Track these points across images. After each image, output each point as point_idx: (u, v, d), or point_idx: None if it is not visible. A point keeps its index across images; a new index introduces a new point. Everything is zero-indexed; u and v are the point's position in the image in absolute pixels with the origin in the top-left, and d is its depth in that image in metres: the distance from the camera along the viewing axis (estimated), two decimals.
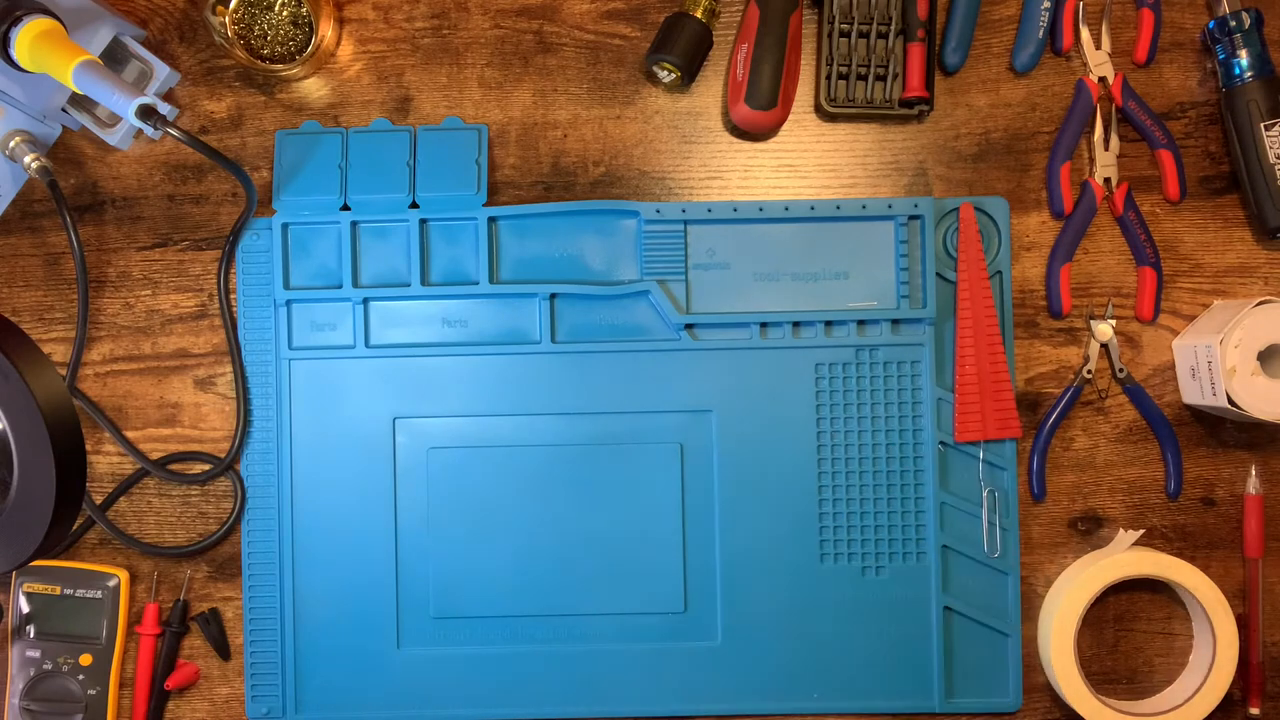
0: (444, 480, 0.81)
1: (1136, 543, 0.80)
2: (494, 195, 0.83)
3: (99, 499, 0.82)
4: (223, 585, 0.83)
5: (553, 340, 0.80)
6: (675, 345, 0.80)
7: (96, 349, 0.83)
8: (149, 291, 0.83)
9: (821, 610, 0.80)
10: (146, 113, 0.69)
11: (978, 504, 0.80)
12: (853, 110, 0.82)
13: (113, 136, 0.80)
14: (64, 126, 0.82)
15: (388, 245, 0.81)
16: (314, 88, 0.83)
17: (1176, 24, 0.82)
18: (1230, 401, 0.75)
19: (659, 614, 0.80)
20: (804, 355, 0.80)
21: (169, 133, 0.70)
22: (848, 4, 0.81)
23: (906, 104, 0.81)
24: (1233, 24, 0.79)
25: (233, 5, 0.79)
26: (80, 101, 0.80)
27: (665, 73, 0.80)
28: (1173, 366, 0.82)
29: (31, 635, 0.80)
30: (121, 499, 0.83)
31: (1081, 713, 0.78)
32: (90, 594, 0.81)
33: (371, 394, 0.81)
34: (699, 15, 0.80)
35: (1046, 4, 0.81)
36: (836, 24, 0.81)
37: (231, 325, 0.82)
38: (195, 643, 0.83)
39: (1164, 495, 0.82)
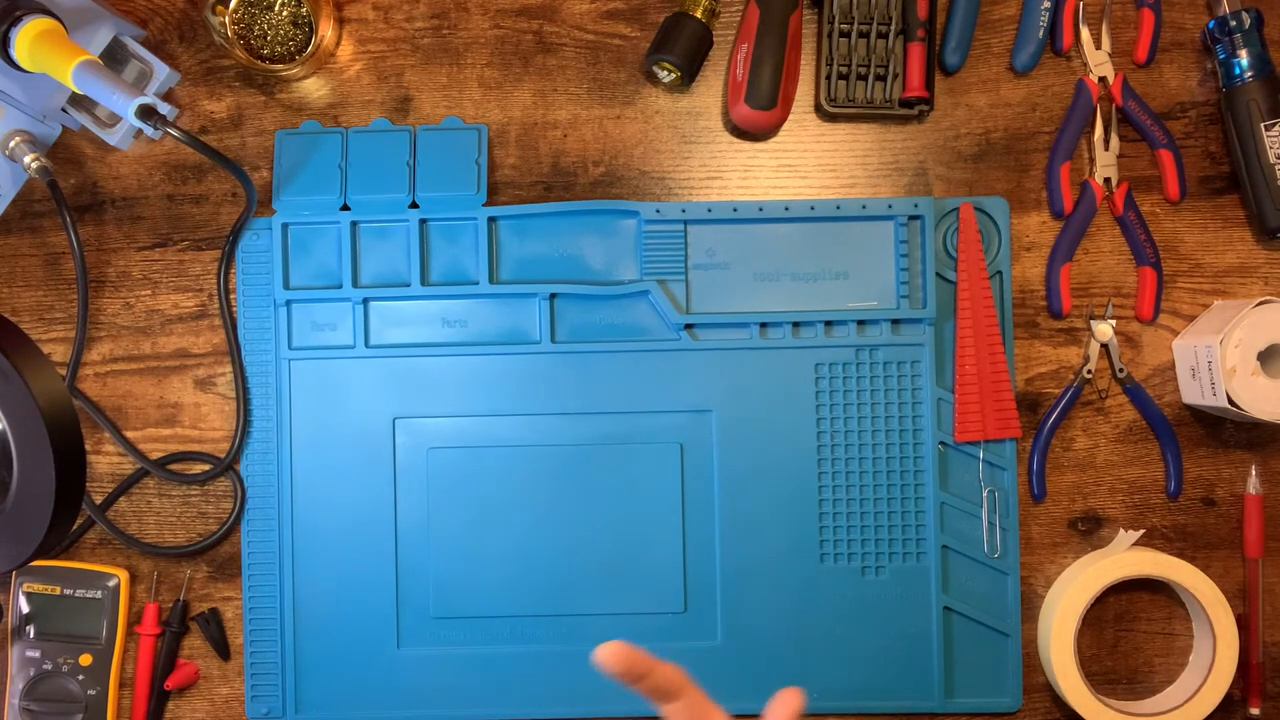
0: (444, 480, 0.81)
1: (1136, 543, 0.80)
2: (494, 195, 0.83)
3: (99, 499, 0.82)
4: (223, 585, 0.83)
5: (553, 340, 0.80)
6: (675, 345, 0.80)
7: (96, 349, 0.83)
8: (149, 291, 0.83)
9: (821, 610, 0.80)
10: (146, 113, 0.69)
11: (978, 504, 0.80)
12: (853, 110, 0.82)
13: (113, 136, 0.80)
14: (64, 126, 0.82)
15: (388, 245, 0.81)
16: (314, 88, 0.83)
17: (1176, 24, 0.82)
18: (1230, 401, 0.75)
19: (659, 614, 0.80)
20: (804, 355, 0.80)
21: (169, 133, 0.70)
22: (848, 4, 0.81)
23: (906, 104, 0.81)
24: (1233, 24, 0.79)
25: (233, 5, 0.79)
26: (80, 101, 0.80)
27: (665, 73, 0.80)
28: (1173, 366, 0.82)
29: (31, 635, 0.80)
30: (121, 499, 0.83)
31: (1081, 713, 0.78)
32: (90, 594, 0.81)
33: (371, 394, 0.81)
34: (699, 15, 0.80)
35: (1046, 4, 0.81)
36: (836, 24, 0.81)
37: (231, 325, 0.82)
38: (195, 643, 0.83)
39: (1164, 495, 0.82)
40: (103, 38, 0.77)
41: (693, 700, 0.58)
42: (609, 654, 0.56)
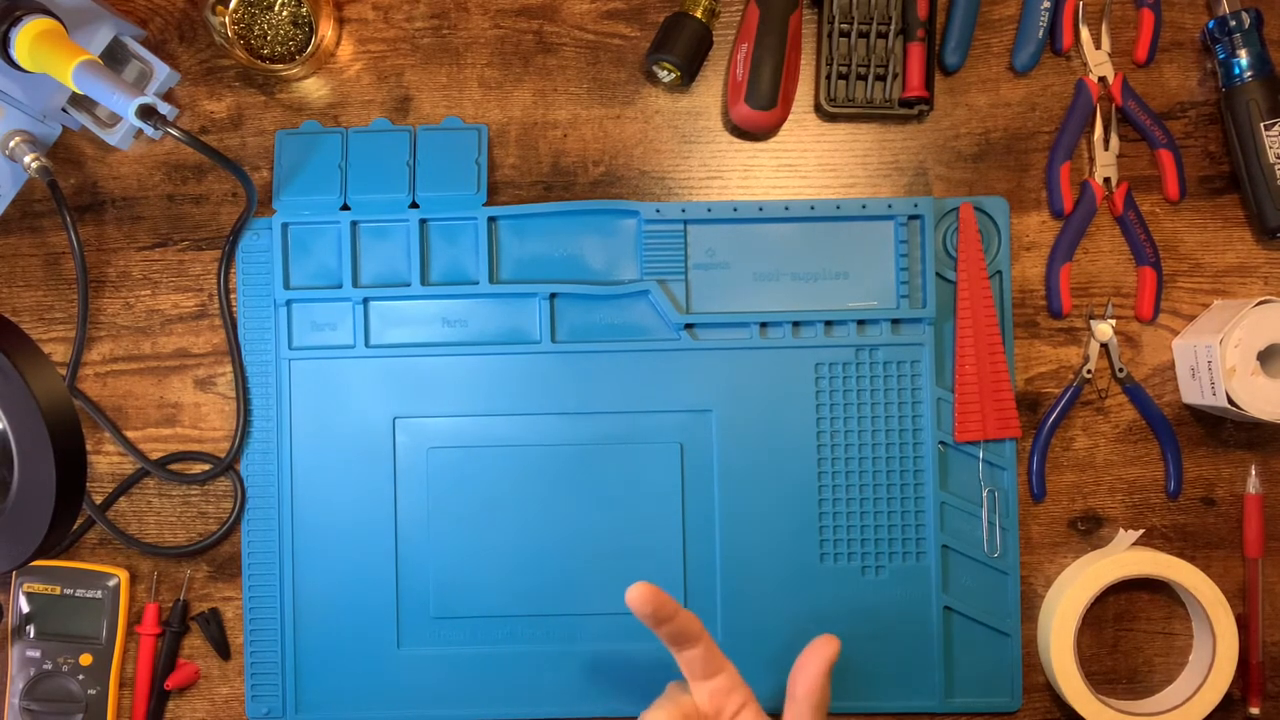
0: (444, 480, 0.81)
1: (1136, 542, 0.80)
2: (494, 195, 0.83)
3: (99, 499, 0.82)
4: (223, 585, 0.83)
5: (553, 340, 0.81)
6: (675, 345, 0.80)
7: (96, 349, 0.83)
8: (149, 291, 0.83)
9: (821, 610, 0.80)
10: (146, 113, 0.69)
11: (978, 504, 0.80)
12: (853, 110, 0.82)
13: (113, 136, 0.80)
14: (64, 126, 0.82)
15: (388, 245, 0.81)
16: (314, 88, 0.83)
17: (1176, 24, 0.82)
18: (1230, 401, 0.75)
19: None
20: (804, 355, 0.80)
21: (169, 133, 0.70)
22: (848, 4, 0.81)
23: (906, 104, 0.81)
24: (1232, 24, 0.79)
25: (233, 5, 0.79)
26: (80, 101, 0.80)
27: (665, 73, 0.80)
28: (1173, 366, 0.82)
29: (31, 635, 0.80)
30: (121, 499, 0.83)
31: (1081, 713, 0.78)
32: (90, 594, 0.81)
33: (371, 394, 0.81)
34: (699, 15, 0.80)
35: (1046, 4, 0.81)
36: (836, 24, 0.81)
37: (231, 325, 0.82)
38: (195, 643, 0.83)
39: (1164, 495, 0.82)
40: (103, 38, 0.77)
41: (708, 649, 0.59)
42: (639, 594, 0.56)
